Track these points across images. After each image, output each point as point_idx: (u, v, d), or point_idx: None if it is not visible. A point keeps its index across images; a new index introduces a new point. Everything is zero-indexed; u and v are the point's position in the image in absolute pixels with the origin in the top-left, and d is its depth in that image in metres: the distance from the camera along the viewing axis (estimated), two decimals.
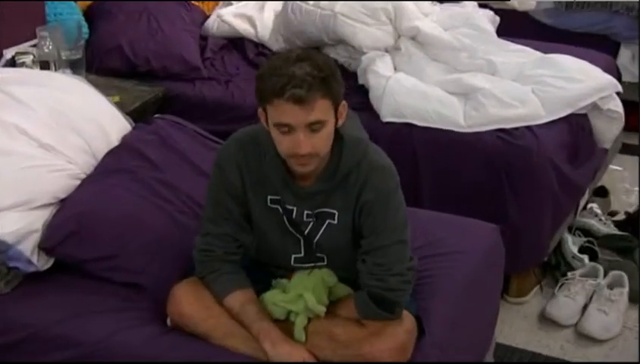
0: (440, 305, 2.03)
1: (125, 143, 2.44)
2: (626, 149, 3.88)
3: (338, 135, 1.83)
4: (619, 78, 3.45)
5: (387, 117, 2.97)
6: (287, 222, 1.90)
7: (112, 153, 2.39)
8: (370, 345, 1.81)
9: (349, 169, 1.83)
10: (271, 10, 3.75)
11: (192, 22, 3.64)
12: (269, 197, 1.89)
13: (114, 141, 2.45)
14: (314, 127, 1.71)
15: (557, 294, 2.93)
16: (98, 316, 2.00)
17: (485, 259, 2.30)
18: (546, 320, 2.88)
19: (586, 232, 3.24)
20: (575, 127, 3.02)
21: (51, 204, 2.20)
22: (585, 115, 3.08)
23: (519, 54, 3.32)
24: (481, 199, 2.84)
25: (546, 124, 2.91)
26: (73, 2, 3.34)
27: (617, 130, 3.21)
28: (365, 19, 3.31)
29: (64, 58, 2.99)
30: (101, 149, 2.39)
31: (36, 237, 2.11)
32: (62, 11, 3.24)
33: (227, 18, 3.70)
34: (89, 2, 3.54)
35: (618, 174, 3.77)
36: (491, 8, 3.85)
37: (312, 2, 3.39)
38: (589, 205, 3.36)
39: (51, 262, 2.15)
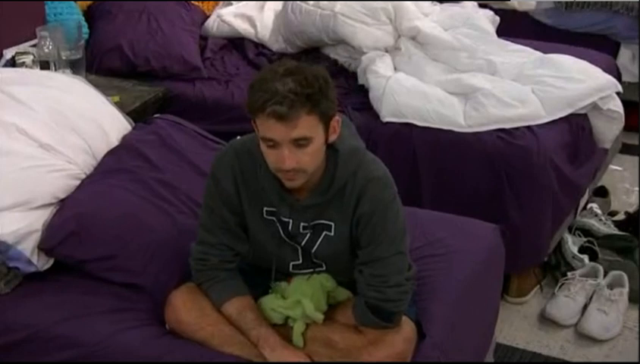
0: (440, 306, 2.03)
1: (125, 143, 2.44)
2: (626, 149, 3.88)
3: (333, 148, 1.80)
4: (619, 78, 3.45)
5: (387, 117, 2.97)
6: (282, 234, 1.88)
7: (112, 153, 2.39)
8: (368, 354, 1.81)
9: (344, 181, 1.81)
10: (271, 10, 3.75)
11: (192, 22, 3.64)
12: (265, 209, 1.87)
13: (114, 141, 2.45)
14: (299, 142, 1.69)
15: (557, 294, 2.92)
16: (97, 317, 1.99)
17: (485, 259, 2.30)
18: (546, 320, 2.87)
19: (586, 232, 3.24)
20: (575, 127, 3.02)
21: (51, 204, 2.20)
22: (585, 115, 3.08)
23: (519, 54, 3.32)
24: (481, 199, 2.84)
25: (546, 124, 2.91)
26: (73, 2, 3.34)
27: (617, 130, 3.21)
28: (365, 19, 3.31)
29: (64, 58, 2.99)
30: (101, 149, 2.39)
31: (36, 237, 2.11)
32: (62, 11, 3.24)
33: (227, 18, 3.70)
34: (89, 2, 3.54)
35: (618, 174, 3.78)
36: (491, 8, 3.85)
37: (312, 2, 3.39)
38: (589, 205, 3.36)
39: (51, 262, 2.14)
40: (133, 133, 2.52)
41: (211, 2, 3.92)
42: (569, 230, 3.21)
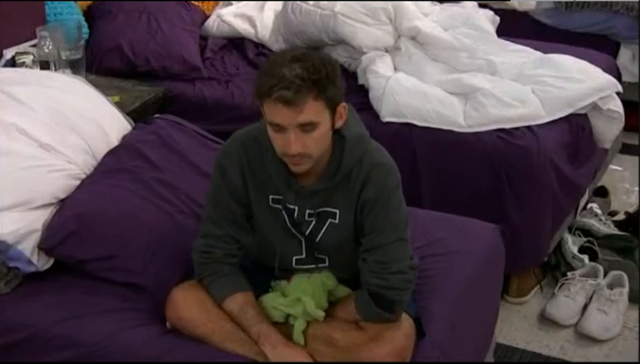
0: (440, 306, 2.03)
1: (125, 143, 2.44)
2: (626, 149, 3.88)
3: (339, 134, 1.83)
4: (619, 78, 3.45)
5: (387, 117, 2.97)
6: (288, 222, 1.89)
7: (112, 153, 2.39)
8: (369, 350, 1.81)
9: (351, 167, 1.83)
10: (271, 10, 3.75)
11: (192, 22, 3.64)
12: (271, 197, 1.89)
13: (114, 141, 2.45)
14: (305, 127, 1.71)
15: (557, 294, 2.92)
16: (98, 316, 1.99)
17: (485, 259, 2.30)
18: (546, 320, 2.87)
19: (586, 232, 3.24)
20: (575, 127, 3.02)
21: (51, 204, 2.20)
22: (585, 115, 3.08)
23: (519, 54, 3.32)
24: (481, 199, 2.84)
25: (546, 124, 2.91)
26: (73, 2, 3.34)
27: (617, 130, 3.21)
28: (365, 19, 3.31)
29: (64, 58, 2.99)
30: (102, 149, 2.39)
31: (36, 237, 2.11)
32: (62, 11, 3.24)
33: (227, 18, 3.70)
34: (89, 2, 3.53)
35: (618, 174, 3.78)
36: (491, 8, 3.85)
37: (312, 2, 3.39)
38: (589, 205, 3.36)
39: (51, 262, 2.14)
40: (133, 133, 2.52)
41: (211, 2, 3.92)
42: (569, 230, 3.21)
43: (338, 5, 3.33)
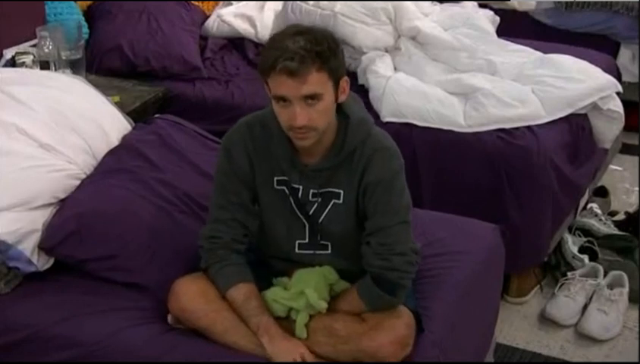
0: (441, 305, 2.03)
1: (125, 143, 2.44)
2: (626, 149, 3.88)
3: (344, 114, 1.86)
4: (619, 78, 3.45)
5: (387, 117, 2.98)
6: (292, 203, 1.91)
7: (112, 153, 2.39)
8: (370, 339, 1.81)
9: (354, 146, 1.86)
10: (271, 10, 3.75)
11: (192, 22, 3.64)
12: (276, 178, 1.91)
13: (114, 141, 2.45)
14: (310, 99, 1.74)
15: (557, 294, 2.92)
16: (98, 316, 2.00)
17: (485, 259, 2.30)
18: (546, 320, 2.87)
19: (586, 232, 3.24)
20: (575, 127, 3.02)
21: (51, 204, 2.20)
22: (585, 115, 3.08)
23: (519, 54, 3.33)
24: (481, 199, 2.84)
25: (546, 124, 2.91)
26: (73, 2, 3.34)
27: (617, 130, 3.21)
28: (365, 19, 3.31)
29: (64, 58, 2.99)
30: (102, 149, 2.39)
31: (36, 237, 2.11)
32: (62, 11, 3.24)
33: (227, 18, 3.70)
34: (89, 2, 3.54)
35: (618, 174, 3.78)
36: (491, 8, 3.85)
37: (312, 2, 3.40)
38: (589, 205, 3.36)
39: (51, 261, 2.14)
40: (133, 133, 2.52)
41: (211, 2, 3.92)
42: (569, 230, 3.21)
43: (338, 5, 3.33)
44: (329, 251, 1.96)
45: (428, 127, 2.92)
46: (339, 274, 1.96)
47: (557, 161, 2.86)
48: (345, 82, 1.82)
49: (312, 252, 1.96)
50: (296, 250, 1.96)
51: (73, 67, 3.01)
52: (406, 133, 2.93)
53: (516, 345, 2.76)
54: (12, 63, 2.92)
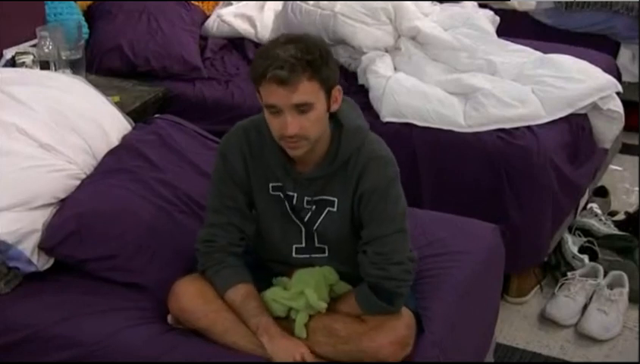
0: (441, 305, 2.03)
1: (125, 143, 2.44)
2: (626, 149, 3.88)
3: (338, 122, 1.84)
4: (619, 78, 3.45)
5: (387, 117, 2.97)
6: (288, 208, 1.91)
7: (112, 153, 2.39)
8: (370, 339, 1.81)
9: (348, 155, 1.85)
10: (271, 10, 3.75)
11: (192, 22, 3.64)
12: (271, 184, 1.90)
13: (114, 141, 2.45)
14: (301, 108, 1.73)
15: (557, 294, 2.92)
16: (98, 316, 2.00)
17: (485, 259, 2.30)
18: (546, 320, 2.87)
19: (586, 232, 3.24)
20: (575, 127, 3.02)
21: (51, 204, 2.20)
22: (585, 115, 3.08)
23: (519, 54, 3.32)
24: (481, 199, 2.84)
25: (546, 124, 2.91)
26: (73, 2, 3.34)
27: (617, 130, 3.21)
28: (365, 19, 3.31)
29: (64, 58, 2.99)
30: (102, 149, 2.39)
31: (36, 237, 2.11)
32: (62, 11, 3.24)
33: (227, 18, 3.70)
34: (89, 2, 3.53)
35: (618, 174, 3.78)
36: (491, 8, 3.85)
37: (312, 2, 3.39)
38: (589, 205, 3.36)
39: (51, 261, 2.14)
40: (133, 133, 2.52)
41: (211, 2, 3.92)
42: (569, 230, 3.21)
43: (338, 5, 3.33)
44: (326, 254, 1.95)
45: (428, 127, 2.92)
46: (339, 276, 1.95)
47: (557, 161, 2.85)
48: (337, 91, 1.81)
49: (308, 255, 1.95)
50: (294, 255, 1.96)
51: (73, 67, 3.01)
52: (406, 133, 2.93)
53: (516, 345, 2.76)
54: (12, 63, 2.92)
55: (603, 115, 3.10)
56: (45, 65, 2.92)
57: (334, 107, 1.82)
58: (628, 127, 3.43)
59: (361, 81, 3.22)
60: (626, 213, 3.43)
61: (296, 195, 1.89)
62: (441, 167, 2.90)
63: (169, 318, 1.97)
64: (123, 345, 1.92)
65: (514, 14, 4.20)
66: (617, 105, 3.12)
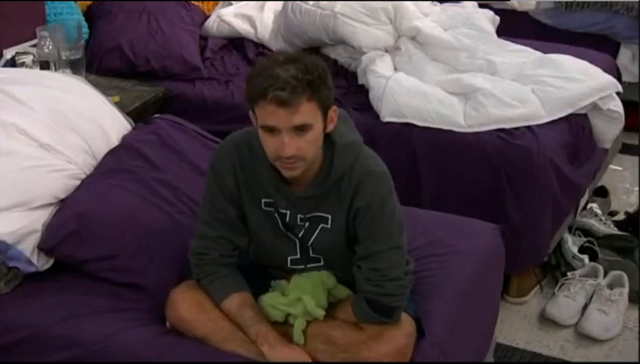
0: (440, 306, 2.03)
1: (125, 143, 2.44)
2: (626, 149, 3.88)
3: (330, 141, 1.81)
4: (619, 78, 3.45)
5: (387, 117, 2.97)
6: (281, 224, 1.89)
7: (112, 153, 2.39)
8: (369, 349, 1.80)
9: (341, 173, 1.82)
10: (271, 10, 3.76)
11: (192, 22, 3.64)
12: (263, 200, 1.88)
13: (114, 141, 2.45)
14: (299, 129, 1.70)
15: (557, 294, 2.92)
16: (97, 316, 1.99)
17: (485, 259, 2.30)
18: (546, 320, 2.87)
19: (586, 232, 3.24)
20: (575, 127, 3.02)
21: (51, 204, 2.20)
22: (585, 115, 3.08)
23: (519, 54, 3.32)
24: (481, 199, 2.84)
25: (546, 124, 2.91)
26: (73, 2, 3.34)
27: (617, 130, 3.21)
28: (365, 19, 3.31)
29: (64, 58, 2.99)
30: (102, 149, 2.39)
31: (36, 237, 2.11)
32: (62, 11, 3.24)
33: (227, 18, 3.70)
34: (89, 2, 3.54)
35: (618, 174, 3.78)
36: (491, 8, 3.85)
37: (312, 2, 3.40)
38: (589, 205, 3.36)
39: (51, 262, 2.14)
40: (133, 133, 2.52)
41: (211, 2, 3.92)
42: (569, 230, 3.21)
43: (338, 5, 3.33)
44: (322, 263, 1.94)
45: (428, 127, 2.92)
46: (337, 280, 1.94)
47: (557, 161, 2.85)
48: (333, 111, 1.78)
49: (304, 266, 1.94)
50: (289, 265, 1.95)
51: (73, 67, 3.01)
52: (406, 133, 2.93)
53: (516, 345, 2.76)
54: (12, 63, 2.92)
55: (603, 115, 3.10)
56: (45, 65, 2.92)
57: (330, 127, 1.79)
58: (628, 127, 3.43)
59: (361, 81, 3.22)
60: (626, 213, 3.43)
61: (288, 212, 1.87)
62: (441, 167, 2.90)
63: (168, 323, 1.97)
64: (123, 345, 1.92)
65: (514, 14, 4.20)
66: (617, 105, 3.12)
